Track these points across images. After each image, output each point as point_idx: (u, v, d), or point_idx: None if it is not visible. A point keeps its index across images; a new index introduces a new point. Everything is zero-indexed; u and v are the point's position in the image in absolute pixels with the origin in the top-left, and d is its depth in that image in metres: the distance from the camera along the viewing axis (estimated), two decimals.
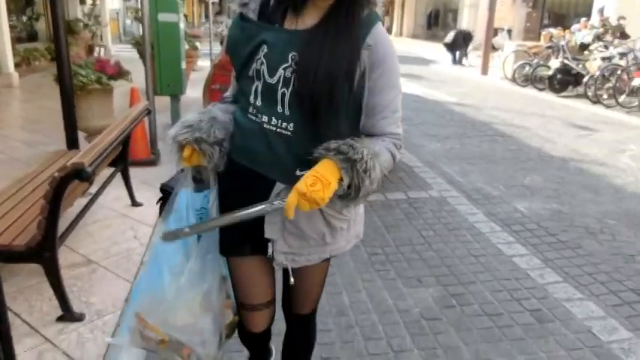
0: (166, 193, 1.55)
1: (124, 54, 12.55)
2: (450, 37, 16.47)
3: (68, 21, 13.63)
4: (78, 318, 2.44)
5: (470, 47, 16.89)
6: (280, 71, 1.30)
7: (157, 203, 1.61)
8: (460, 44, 16.26)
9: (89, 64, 4.61)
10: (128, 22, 19.67)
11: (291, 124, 1.32)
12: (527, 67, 11.51)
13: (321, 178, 1.23)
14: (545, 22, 19.72)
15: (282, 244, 1.41)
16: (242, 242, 1.47)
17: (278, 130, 1.34)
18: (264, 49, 1.32)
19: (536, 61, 11.56)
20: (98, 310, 2.50)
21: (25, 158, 4.77)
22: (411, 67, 15.17)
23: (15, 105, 8.01)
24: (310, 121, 1.30)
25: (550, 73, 10.75)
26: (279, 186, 1.36)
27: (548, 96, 10.35)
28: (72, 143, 4.01)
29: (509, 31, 17.77)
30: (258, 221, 1.38)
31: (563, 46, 11.10)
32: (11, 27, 10.72)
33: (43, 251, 2.32)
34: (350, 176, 1.25)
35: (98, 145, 2.72)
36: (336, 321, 2.54)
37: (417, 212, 4.00)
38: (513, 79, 11.83)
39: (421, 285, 2.92)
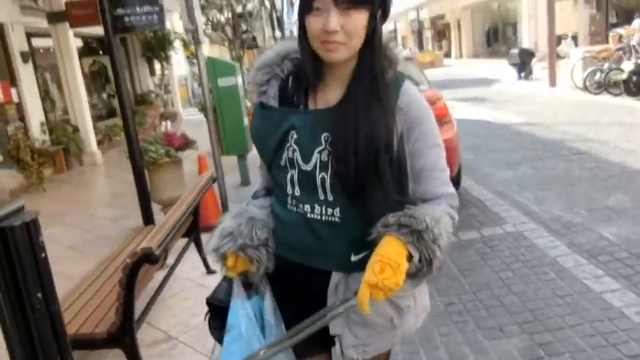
0: (214, 307, 1.44)
1: (194, 117, 13.23)
2: (514, 56, 16.09)
3: (142, 94, 14.67)
4: None
5: (534, 60, 16.37)
6: (315, 155, 1.26)
7: (205, 319, 1.48)
8: (525, 61, 15.83)
9: (158, 139, 4.89)
10: (196, 85, 20.80)
11: (337, 209, 1.26)
12: (599, 73, 10.92)
13: (389, 262, 1.13)
14: (613, 21, 18.72)
15: (350, 337, 1.34)
16: (309, 343, 1.30)
17: (324, 218, 1.28)
18: (294, 135, 1.28)
19: (607, 65, 10.95)
20: None
21: (110, 235, 5.09)
22: (473, 90, 14.87)
23: (100, 182, 8.62)
24: (358, 202, 1.24)
25: (624, 76, 10.12)
26: (335, 276, 1.30)
27: (626, 101, 9.72)
28: (147, 218, 4.24)
29: (574, 38, 17.04)
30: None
31: (634, 46, 10.49)
32: (92, 106, 11.67)
33: (123, 336, 2.43)
34: (419, 250, 1.16)
35: (167, 222, 2.85)
36: None
37: (493, 251, 3.83)
38: (585, 88, 11.24)
39: (503, 335, 2.75)
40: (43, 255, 1.50)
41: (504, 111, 10.42)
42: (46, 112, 9.51)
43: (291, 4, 27.27)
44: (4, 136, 8.24)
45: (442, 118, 4.67)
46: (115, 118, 13.55)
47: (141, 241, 2.55)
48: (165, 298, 3.56)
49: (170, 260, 3.56)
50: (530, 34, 21.95)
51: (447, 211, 1.28)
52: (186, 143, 5.03)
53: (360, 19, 1.19)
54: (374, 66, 1.24)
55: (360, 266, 1.20)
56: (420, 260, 1.17)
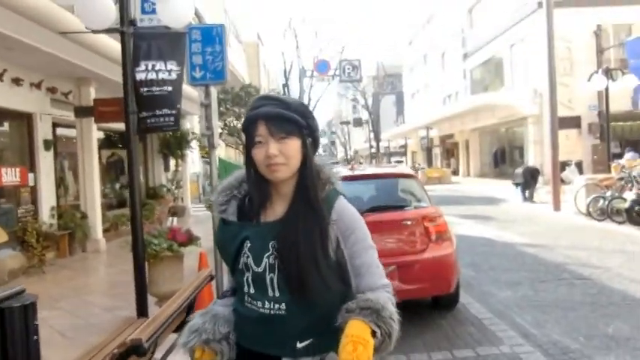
0: None
1: (202, 213, 13.43)
2: (518, 175, 16.55)
3: (154, 187, 15.06)
4: None
5: (539, 182, 16.77)
6: (265, 260, 1.51)
7: None
8: (529, 181, 16.23)
9: (162, 233, 5.00)
10: (207, 183, 21.32)
11: (283, 304, 1.50)
12: (602, 201, 11.14)
13: (359, 340, 1.34)
14: (617, 150, 19.34)
15: None
16: None
17: (272, 312, 1.51)
18: (247, 243, 1.54)
19: (609, 193, 11.21)
20: None
21: (101, 323, 5.02)
22: (479, 208, 15.10)
23: (100, 270, 8.63)
24: (300, 297, 1.47)
25: (627, 205, 10.32)
26: None
27: (629, 229, 9.83)
28: (141, 311, 4.22)
29: (578, 165, 17.55)
30: None
31: (635, 177, 10.79)
32: (104, 195, 11.96)
33: None
34: (380, 326, 1.39)
35: (160, 316, 2.87)
36: None
37: None
38: (588, 214, 11.41)
39: None
40: (36, 337, 1.56)
41: (508, 231, 10.52)
42: (58, 197, 9.79)
43: None
44: (13, 217, 8.41)
45: (442, 234, 4.77)
46: (124, 208, 13.81)
47: (131, 333, 2.56)
48: None
49: (158, 355, 3.51)
50: (537, 158, 22.62)
51: (389, 297, 1.51)
52: (190, 239, 5.14)
53: (293, 144, 1.51)
54: (309, 184, 1.54)
55: (306, 352, 1.50)
56: (381, 334, 1.40)
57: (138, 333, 2.46)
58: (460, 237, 9.29)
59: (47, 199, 9.21)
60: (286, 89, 28.50)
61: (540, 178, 17.42)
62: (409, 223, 4.66)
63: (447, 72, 37.29)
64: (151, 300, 4.59)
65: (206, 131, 5.17)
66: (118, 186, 14.02)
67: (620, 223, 10.38)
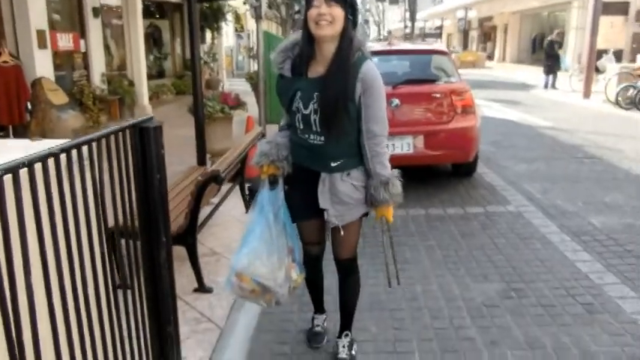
0: (252, 192, 2.47)
1: (237, 87, 13.93)
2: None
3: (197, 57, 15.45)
4: (208, 290, 3.23)
5: (575, 70, 16.50)
6: (311, 105, 2.13)
7: (245, 197, 2.49)
8: (551, 63, 15.84)
9: (215, 97, 5.60)
10: (240, 58, 21.55)
11: (322, 137, 2.17)
12: (632, 90, 11.23)
13: (386, 213, 2.24)
14: None
15: (332, 210, 2.23)
16: (305, 212, 2.34)
17: (315, 142, 2.19)
18: (299, 93, 2.15)
19: None
20: (222, 285, 3.26)
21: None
22: (509, 93, 15.23)
23: None
24: (332, 132, 2.12)
25: None
26: (322, 175, 2.21)
27: None
28: (201, 161, 4.96)
29: (618, 54, 17.10)
30: (315, 197, 2.23)
31: None
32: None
33: (187, 236, 3.14)
34: (392, 195, 2.19)
35: (227, 159, 3.54)
36: (408, 304, 3.10)
37: (492, 223, 4.44)
38: (617, 103, 11.55)
39: (486, 281, 3.38)
40: (163, 151, 2.21)
41: (533, 115, 10.85)
42: (105, 65, 10.35)
43: None
44: (69, 81, 9.09)
45: (467, 108, 5.24)
46: (163, 78, 14.38)
47: (198, 174, 3.22)
48: (211, 226, 4.27)
49: (215, 200, 4.27)
50: (577, 45, 21.95)
51: (384, 147, 2.18)
52: (239, 103, 5.73)
53: (338, 11, 2.03)
54: (344, 51, 2.08)
55: (337, 169, 2.19)
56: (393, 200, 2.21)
57: (216, 166, 3.14)
58: (486, 118, 9.73)
59: (97, 65, 9.80)
60: None
61: (576, 65, 17.12)
62: (438, 95, 5.12)
63: None
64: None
65: (254, 2, 5.52)
66: (152, 57, 14.44)
67: None
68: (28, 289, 1.43)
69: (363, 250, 3.81)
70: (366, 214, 2.34)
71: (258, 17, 5.65)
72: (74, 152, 1.67)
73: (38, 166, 1.49)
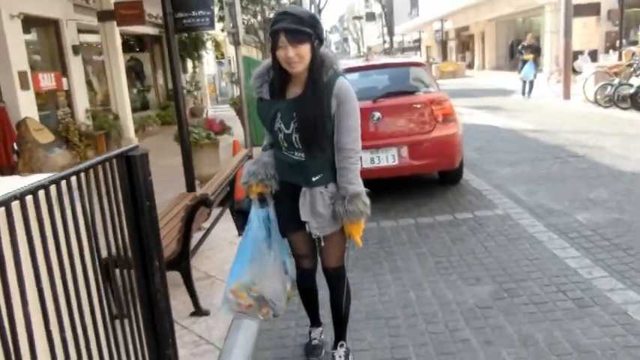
0: (241, 213, 2.60)
1: (221, 113, 14.03)
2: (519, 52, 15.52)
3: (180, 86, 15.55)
4: (205, 313, 3.25)
5: (552, 72, 16.74)
6: (291, 124, 2.24)
7: (234, 219, 2.60)
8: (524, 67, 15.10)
9: (200, 124, 5.67)
10: (223, 84, 21.72)
11: (302, 154, 2.28)
12: (609, 88, 11.45)
13: (355, 230, 2.31)
14: (635, 39, 19.08)
15: (313, 222, 2.33)
16: (291, 226, 2.43)
17: (297, 158, 2.31)
18: (279, 114, 2.27)
19: (617, 80, 11.48)
20: (219, 305, 3.28)
21: None
22: (489, 100, 15.45)
23: None
24: (313, 149, 2.23)
25: (632, 91, 10.67)
26: (304, 189, 2.31)
27: (632, 114, 10.26)
28: (190, 187, 5.01)
29: (593, 54, 17.44)
30: (297, 212, 2.32)
31: None
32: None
33: (181, 261, 3.17)
34: (362, 211, 2.27)
35: (214, 183, 3.60)
36: (402, 311, 3.15)
37: (481, 227, 4.51)
38: (596, 101, 11.77)
39: (478, 283, 3.44)
40: (150, 178, 2.26)
41: (515, 119, 11.03)
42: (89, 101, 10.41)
43: (318, 12, 28.11)
44: (54, 119, 9.13)
45: (447, 116, 5.35)
46: (148, 110, 14.46)
47: (189, 200, 3.27)
48: (204, 250, 4.30)
49: (207, 224, 4.31)
50: (552, 48, 22.37)
51: (352, 162, 2.28)
52: (224, 129, 5.81)
53: (305, 48, 2.14)
54: (316, 73, 2.20)
55: (317, 183, 2.30)
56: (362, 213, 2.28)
57: (204, 190, 3.19)
58: (468, 126, 9.88)
59: (81, 102, 9.86)
60: None
61: (554, 67, 17.39)
62: (418, 106, 5.23)
63: None
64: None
65: (231, 29, 5.63)
66: (136, 90, 14.54)
67: (624, 109, 10.78)
68: (26, 320, 1.46)
69: (356, 263, 3.87)
70: None
71: (236, 43, 5.76)
72: (63, 183, 1.73)
73: (29, 199, 1.54)
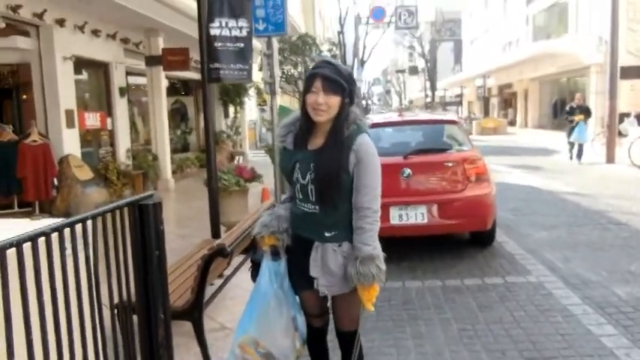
0: (255, 264, 2.50)
1: (258, 159, 14.24)
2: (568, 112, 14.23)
3: (215, 133, 15.94)
4: None
5: (597, 135, 16.28)
6: (308, 175, 2.23)
7: (249, 270, 2.59)
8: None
9: (231, 170, 5.72)
10: (263, 130, 22.14)
11: (317, 206, 2.25)
12: None
13: (368, 296, 2.20)
14: None
15: (322, 279, 2.26)
16: (302, 283, 2.37)
17: (311, 211, 2.27)
18: (297, 165, 2.27)
19: None
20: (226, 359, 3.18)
21: (179, 248, 5.86)
22: (530, 159, 15.15)
23: (171, 205, 9.58)
24: (326, 202, 2.21)
25: None
26: (316, 243, 2.26)
27: None
28: (215, 234, 5.00)
29: (638, 117, 16.99)
30: (308, 268, 2.27)
31: None
32: (170, 140, 12.92)
33: (194, 311, 3.11)
34: (374, 275, 2.16)
35: (234, 232, 3.56)
36: None
37: (512, 295, 4.28)
38: None
39: (504, 357, 3.22)
40: (162, 227, 2.23)
41: (555, 180, 10.72)
42: (131, 141, 10.75)
43: (361, 64, 28.63)
44: (95, 157, 9.43)
45: (480, 176, 5.22)
46: (187, 152, 14.80)
47: (207, 249, 3.24)
48: (223, 299, 4.23)
49: (228, 272, 4.26)
50: (598, 109, 21.98)
51: (369, 222, 2.20)
52: (254, 176, 5.83)
53: (335, 100, 2.18)
54: (339, 126, 2.22)
55: (331, 239, 2.25)
56: (375, 278, 2.17)
57: (221, 240, 3.15)
58: (506, 185, 9.66)
59: (123, 141, 10.18)
60: (341, 36, 28.41)
61: (599, 129, 16.93)
62: (450, 164, 5.13)
63: (508, 17, 35.83)
64: (221, 229, 5.35)
65: (268, 79, 5.75)
66: (179, 132, 14.96)
67: None
68: None
69: (376, 325, 3.71)
70: None
71: (272, 93, 5.87)
72: (66, 231, 1.70)
73: (27, 246, 1.51)
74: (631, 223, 6.61)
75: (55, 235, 1.63)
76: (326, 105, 2.16)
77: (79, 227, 1.76)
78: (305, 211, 2.29)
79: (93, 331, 1.85)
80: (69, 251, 1.70)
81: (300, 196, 2.29)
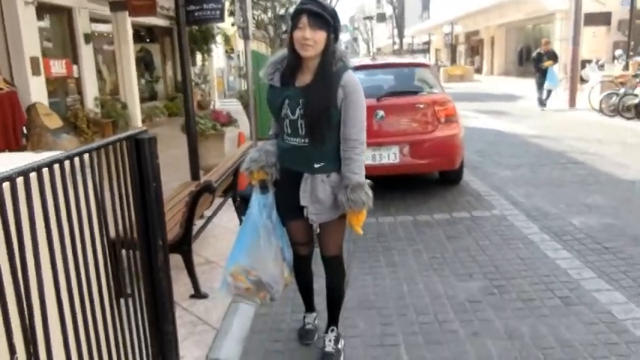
0: (243, 198, 2.67)
1: (228, 107, 14.15)
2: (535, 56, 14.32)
3: (190, 78, 15.66)
4: (204, 296, 3.37)
5: (561, 80, 16.68)
6: (297, 111, 2.34)
7: (236, 206, 2.75)
8: (540, 76, 13.98)
9: (207, 115, 5.78)
10: (231, 78, 21.86)
11: (306, 140, 2.36)
12: (614, 97, 11.50)
13: (356, 220, 2.38)
14: None
15: (312, 208, 2.42)
16: (290, 213, 2.52)
17: (300, 144, 2.38)
18: (286, 101, 2.37)
19: (622, 90, 11.53)
20: (218, 287, 3.40)
21: None
22: (496, 104, 15.51)
23: None
24: (316, 136, 2.32)
25: (637, 101, 10.73)
26: (306, 175, 2.39)
27: (636, 124, 10.32)
28: (195, 176, 5.12)
29: (599, 63, 17.45)
30: (297, 199, 2.41)
31: None
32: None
33: (183, 245, 3.29)
34: (364, 201, 2.33)
35: (217, 171, 3.71)
36: (394, 303, 3.25)
37: (477, 227, 4.61)
38: (601, 110, 11.81)
39: (470, 279, 3.54)
40: (158, 160, 2.36)
41: (519, 124, 11.11)
42: (98, 89, 10.55)
43: None
44: (63, 106, 9.27)
45: (450, 117, 5.45)
46: (155, 101, 14.59)
47: (193, 188, 3.39)
48: (206, 237, 4.42)
49: (208, 213, 4.42)
50: (562, 56, 22.38)
51: (357, 152, 2.35)
52: (230, 120, 5.92)
53: (321, 35, 2.26)
54: (327, 63, 2.31)
55: (319, 170, 2.38)
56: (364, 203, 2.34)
57: (207, 177, 3.30)
58: (472, 129, 9.97)
59: (90, 90, 10.00)
60: None
61: (562, 75, 17.36)
62: (422, 106, 5.33)
63: None
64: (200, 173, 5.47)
65: (241, 24, 5.75)
66: (144, 81, 14.63)
67: (629, 118, 10.83)
68: (39, 288, 1.57)
69: (354, 255, 3.97)
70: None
71: (245, 37, 5.87)
72: (77, 159, 1.83)
73: (45, 171, 1.65)
74: (588, 162, 7.02)
75: (67, 163, 1.76)
76: (313, 40, 2.24)
77: (86, 157, 1.89)
78: (294, 145, 2.40)
79: (104, 259, 2.00)
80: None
81: (289, 131, 2.39)
